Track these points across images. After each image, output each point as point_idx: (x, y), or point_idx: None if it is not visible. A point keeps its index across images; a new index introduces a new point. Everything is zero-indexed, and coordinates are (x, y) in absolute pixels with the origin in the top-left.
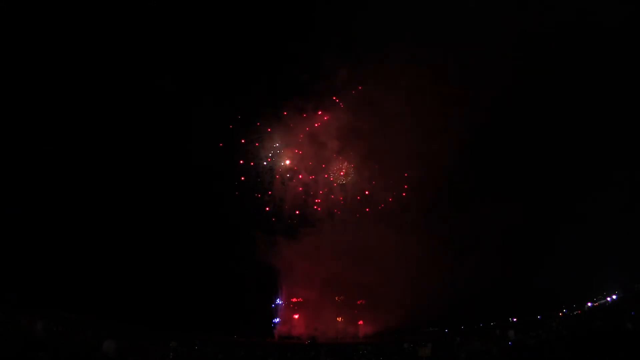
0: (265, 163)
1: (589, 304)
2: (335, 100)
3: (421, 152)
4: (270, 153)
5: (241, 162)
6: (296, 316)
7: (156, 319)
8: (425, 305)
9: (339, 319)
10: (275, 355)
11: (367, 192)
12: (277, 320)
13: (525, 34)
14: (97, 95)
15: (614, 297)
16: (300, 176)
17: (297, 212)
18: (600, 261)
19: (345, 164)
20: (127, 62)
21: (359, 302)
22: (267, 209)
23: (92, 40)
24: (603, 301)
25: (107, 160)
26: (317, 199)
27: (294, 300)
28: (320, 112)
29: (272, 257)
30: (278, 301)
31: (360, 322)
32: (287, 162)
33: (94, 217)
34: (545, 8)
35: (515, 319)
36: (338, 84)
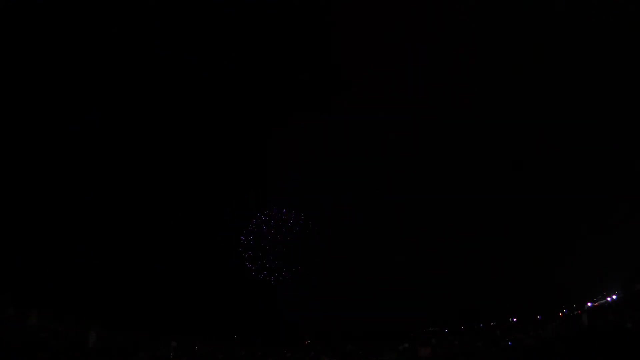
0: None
1: (589, 304)
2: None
3: (424, 144)
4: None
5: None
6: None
7: (157, 319)
8: (425, 305)
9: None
10: (275, 355)
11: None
12: (277, 319)
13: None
14: (98, 94)
15: (614, 297)
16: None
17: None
18: (600, 261)
19: None
20: (133, 58)
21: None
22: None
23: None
24: (603, 301)
25: (110, 161)
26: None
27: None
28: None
29: (273, 256)
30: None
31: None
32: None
33: (95, 218)
34: None
35: (515, 319)
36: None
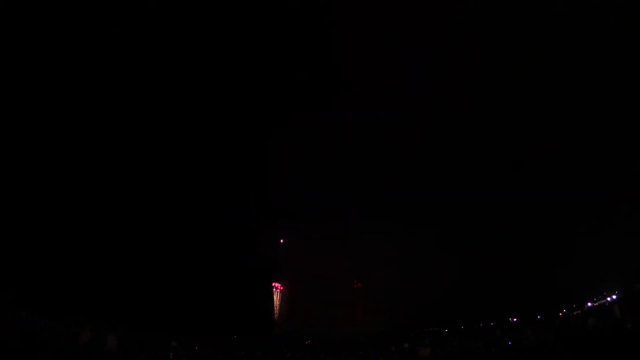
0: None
1: (589, 304)
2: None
3: (424, 144)
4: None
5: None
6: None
7: (157, 319)
8: (425, 306)
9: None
10: (275, 355)
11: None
12: (277, 319)
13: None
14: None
15: (614, 297)
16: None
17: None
18: (600, 261)
19: None
20: (133, 58)
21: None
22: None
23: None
24: (603, 301)
25: (110, 161)
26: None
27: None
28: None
29: (273, 256)
30: (278, 300)
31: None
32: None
33: (95, 218)
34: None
35: (515, 319)
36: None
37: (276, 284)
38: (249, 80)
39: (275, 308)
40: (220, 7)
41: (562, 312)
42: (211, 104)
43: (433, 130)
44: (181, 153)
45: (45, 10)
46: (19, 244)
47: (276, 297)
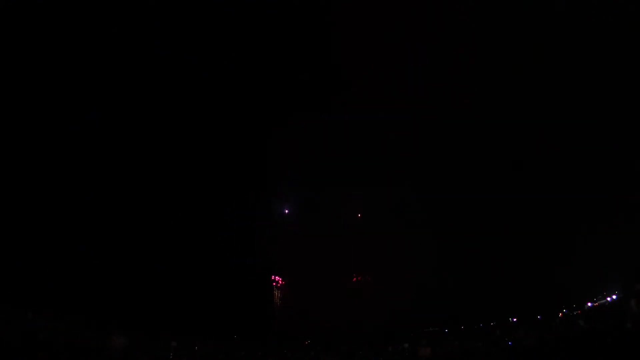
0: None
1: (589, 304)
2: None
3: (424, 144)
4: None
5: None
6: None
7: (156, 319)
8: (425, 305)
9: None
10: (275, 355)
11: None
12: (277, 320)
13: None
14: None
15: (614, 297)
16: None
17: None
18: (600, 261)
19: None
20: (133, 58)
21: (354, 280)
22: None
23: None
24: (603, 301)
25: (110, 161)
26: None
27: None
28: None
29: (273, 255)
30: (278, 300)
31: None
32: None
33: (95, 218)
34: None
35: (515, 319)
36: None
37: (276, 277)
38: (249, 80)
39: (275, 306)
40: (220, 7)
41: (562, 312)
42: (211, 104)
43: (433, 130)
44: (181, 153)
45: (45, 10)
46: (19, 244)
47: (277, 294)
